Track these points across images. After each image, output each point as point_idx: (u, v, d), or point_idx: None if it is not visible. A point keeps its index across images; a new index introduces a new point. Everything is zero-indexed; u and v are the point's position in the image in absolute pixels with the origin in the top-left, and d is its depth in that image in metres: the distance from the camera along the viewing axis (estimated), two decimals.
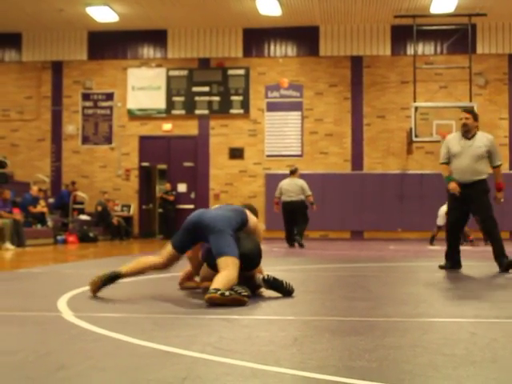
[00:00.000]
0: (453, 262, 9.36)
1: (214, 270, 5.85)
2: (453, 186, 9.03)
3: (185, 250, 6.07)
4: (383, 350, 3.53)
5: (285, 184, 17.00)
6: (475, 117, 9.10)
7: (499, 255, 8.96)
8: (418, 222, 23.03)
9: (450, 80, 23.46)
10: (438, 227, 18.56)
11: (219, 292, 5.22)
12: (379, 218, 23.35)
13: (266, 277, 5.91)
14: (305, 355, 3.39)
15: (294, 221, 16.73)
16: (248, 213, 6.28)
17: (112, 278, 5.91)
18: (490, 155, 9.04)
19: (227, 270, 5.55)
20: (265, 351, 3.50)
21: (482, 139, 9.03)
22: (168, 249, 6.01)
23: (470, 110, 9.28)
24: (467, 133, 9.04)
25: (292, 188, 16.75)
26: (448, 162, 9.21)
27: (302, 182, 16.84)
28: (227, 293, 5.23)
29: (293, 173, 17.18)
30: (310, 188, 16.96)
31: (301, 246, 16.40)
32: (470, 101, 21.53)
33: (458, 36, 22.66)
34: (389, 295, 6.28)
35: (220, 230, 5.80)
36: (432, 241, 18.95)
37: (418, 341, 3.82)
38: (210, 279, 5.90)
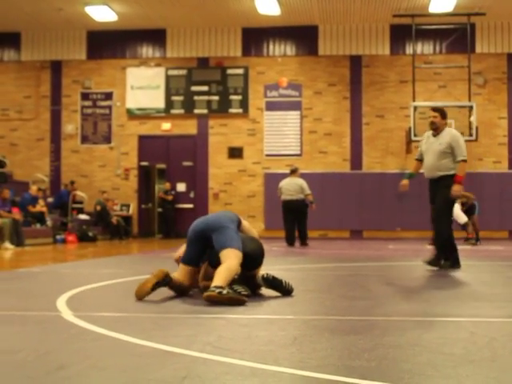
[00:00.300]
0: (438, 259, 9.44)
1: (216, 268, 5.86)
2: (402, 183, 9.69)
3: (199, 261, 6.05)
4: (382, 349, 3.54)
5: (285, 183, 17.14)
6: (443, 115, 9.34)
7: (436, 258, 9.34)
8: (417, 221, 23.00)
9: (449, 79, 23.47)
10: (462, 226, 18.57)
11: (217, 290, 5.23)
12: (378, 217, 23.36)
13: (265, 275, 5.91)
14: (304, 354, 3.39)
15: (293, 219, 16.89)
16: (239, 216, 6.37)
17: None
18: (452, 151, 9.20)
19: (228, 261, 5.58)
20: (264, 350, 3.50)
21: (446, 136, 9.24)
22: (183, 269, 5.98)
23: (437, 109, 9.47)
24: (435, 131, 9.31)
25: (291, 187, 16.86)
26: (421, 159, 9.60)
27: (301, 182, 16.93)
28: (225, 291, 5.24)
29: (293, 172, 17.31)
30: (309, 187, 17.03)
31: (305, 244, 16.77)
32: (469, 100, 21.55)
33: (457, 35, 22.67)
34: (388, 294, 6.29)
35: (222, 227, 5.87)
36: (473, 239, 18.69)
37: (417, 340, 3.82)
38: (210, 278, 5.91)
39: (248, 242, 6.00)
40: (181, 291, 5.93)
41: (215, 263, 5.83)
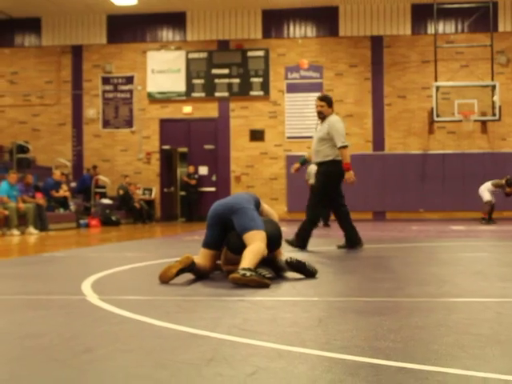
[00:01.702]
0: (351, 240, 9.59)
1: (234, 252, 5.87)
2: (293, 166, 10.06)
3: (220, 244, 6.05)
4: (408, 329, 3.52)
5: (312, 168, 17.40)
6: (329, 103, 9.60)
7: (296, 240, 9.47)
8: (440, 202, 22.93)
9: (472, 59, 23.26)
10: (487, 203, 18.86)
11: (241, 272, 5.24)
12: (401, 198, 23.27)
13: (288, 259, 5.90)
14: (330, 336, 3.38)
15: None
16: (258, 197, 6.40)
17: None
18: (331, 138, 9.37)
19: (254, 244, 5.59)
20: (289, 332, 3.50)
21: (326, 123, 9.45)
22: (204, 252, 6.00)
23: (323, 98, 9.64)
24: (322, 119, 9.53)
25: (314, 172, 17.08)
26: None
27: None
28: (248, 273, 5.25)
29: None
30: None
31: (327, 225, 17.52)
32: (492, 79, 21.37)
33: (480, 14, 22.43)
34: (412, 275, 6.26)
35: (242, 208, 5.88)
36: (488, 220, 18.86)
37: (443, 321, 3.80)
38: (232, 262, 5.91)
39: (266, 223, 5.99)
40: (201, 275, 5.95)
41: (234, 247, 5.84)
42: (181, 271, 5.61)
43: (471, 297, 4.78)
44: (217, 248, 6.01)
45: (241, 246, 5.75)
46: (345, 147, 9.35)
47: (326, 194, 9.48)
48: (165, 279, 5.57)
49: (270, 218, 6.35)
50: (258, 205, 6.20)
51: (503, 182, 18.72)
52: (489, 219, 18.89)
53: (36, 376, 2.71)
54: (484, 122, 21.82)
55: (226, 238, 6.02)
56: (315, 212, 9.51)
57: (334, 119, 9.51)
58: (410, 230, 15.48)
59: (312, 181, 17.89)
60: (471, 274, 6.26)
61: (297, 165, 10.07)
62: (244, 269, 5.29)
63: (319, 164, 9.51)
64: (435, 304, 4.47)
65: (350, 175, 9.39)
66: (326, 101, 9.51)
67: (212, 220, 6.02)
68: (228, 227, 5.94)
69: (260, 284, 5.25)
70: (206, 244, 5.99)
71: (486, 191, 18.96)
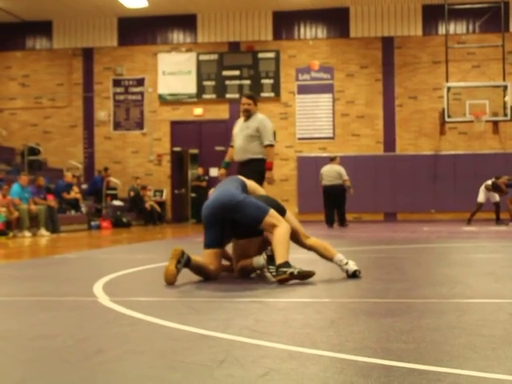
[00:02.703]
0: None
1: (248, 236, 5.91)
2: (220, 172, 9.62)
3: (222, 241, 6.02)
4: (420, 331, 3.51)
5: (325, 170, 18.68)
6: (255, 102, 9.44)
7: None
8: (452, 203, 22.86)
9: (483, 59, 23.19)
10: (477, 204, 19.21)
11: (288, 271, 5.47)
12: (412, 199, 23.22)
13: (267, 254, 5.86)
14: (341, 337, 3.38)
15: (333, 203, 18.44)
16: (241, 177, 6.43)
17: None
18: (260, 135, 9.30)
19: (276, 231, 5.71)
20: (301, 334, 3.49)
21: (255, 120, 9.31)
22: (207, 253, 5.96)
23: (250, 96, 9.50)
24: (248, 117, 9.34)
25: (330, 173, 18.44)
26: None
27: (339, 168, 18.42)
28: (296, 271, 5.50)
29: (332, 160, 18.81)
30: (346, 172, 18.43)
31: (343, 226, 18.34)
32: (504, 80, 21.29)
33: (491, 14, 22.37)
34: (424, 276, 6.24)
35: (238, 202, 5.86)
36: (468, 221, 19.16)
37: (455, 322, 3.79)
38: (245, 255, 5.93)
39: (264, 200, 6.05)
40: (206, 274, 5.90)
41: (244, 234, 5.88)
42: (178, 264, 5.60)
43: (484, 298, 4.76)
44: (219, 246, 5.98)
45: (251, 230, 5.90)
46: (272, 146, 9.40)
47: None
48: (169, 279, 5.56)
49: (258, 194, 6.34)
50: (244, 187, 6.17)
51: (489, 182, 18.98)
52: (469, 220, 19.15)
53: (48, 377, 2.71)
54: (495, 123, 21.74)
55: (227, 232, 6.01)
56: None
57: (262, 117, 9.51)
58: (421, 231, 15.45)
59: (325, 182, 18.43)
60: (484, 275, 6.24)
61: (223, 170, 9.69)
62: (283, 266, 5.51)
63: (247, 162, 9.33)
64: (447, 305, 4.45)
65: (271, 175, 9.47)
66: (253, 99, 9.42)
67: (209, 221, 5.98)
68: (226, 223, 5.95)
69: (307, 275, 5.60)
70: (208, 245, 5.96)
71: (481, 192, 19.26)
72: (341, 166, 18.60)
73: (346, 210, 18.65)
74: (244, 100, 9.34)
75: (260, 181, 9.21)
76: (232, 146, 9.63)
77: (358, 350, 3.07)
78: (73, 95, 24.85)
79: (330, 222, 18.42)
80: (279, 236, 5.63)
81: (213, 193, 6.26)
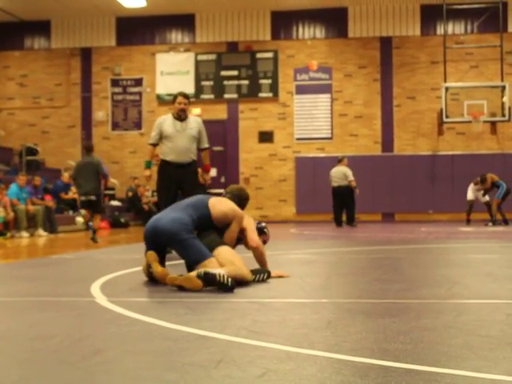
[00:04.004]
0: None
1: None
2: (146, 174, 9.65)
3: (163, 260, 5.87)
4: (418, 331, 3.51)
5: (333, 171, 19.26)
6: (189, 102, 9.58)
7: None
8: (450, 203, 22.87)
9: (481, 59, 23.21)
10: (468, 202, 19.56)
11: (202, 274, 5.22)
12: (410, 199, 23.23)
13: (198, 273, 5.37)
14: (339, 338, 3.38)
15: (340, 203, 19.10)
16: (211, 203, 5.97)
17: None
18: (200, 137, 9.41)
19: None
20: (298, 334, 3.49)
21: (193, 122, 9.44)
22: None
23: (187, 96, 9.53)
24: (183, 118, 9.35)
25: (337, 175, 18.99)
26: (156, 144, 9.55)
27: (345, 169, 19.04)
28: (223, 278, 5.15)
29: (340, 161, 19.41)
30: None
31: (351, 225, 18.80)
32: (502, 80, 21.31)
33: (489, 14, 22.39)
34: (422, 277, 6.25)
35: (181, 240, 5.56)
36: (467, 221, 19.32)
37: (452, 322, 3.79)
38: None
39: (209, 241, 5.75)
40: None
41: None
42: (161, 263, 5.61)
43: (481, 298, 4.76)
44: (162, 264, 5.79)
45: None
46: (208, 149, 9.57)
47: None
48: (165, 278, 5.46)
49: (231, 222, 5.97)
50: (203, 216, 5.83)
51: (478, 179, 19.25)
52: (467, 220, 19.38)
53: (46, 377, 2.71)
54: (493, 123, 21.76)
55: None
56: None
57: (199, 119, 9.67)
58: (419, 232, 15.46)
59: (333, 183, 18.95)
60: (481, 276, 6.24)
61: (148, 172, 9.70)
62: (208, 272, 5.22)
63: (190, 163, 9.30)
64: (445, 306, 4.46)
65: (208, 177, 9.78)
66: (189, 99, 9.54)
67: (147, 241, 5.81)
68: (163, 245, 5.78)
69: (194, 286, 5.18)
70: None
71: (469, 190, 19.57)
72: (347, 167, 19.15)
73: (355, 210, 19.29)
74: (181, 99, 9.30)
75: (198, 182, 9.34)
76: (154, 145, 9.54)
77: (355, 351, 3.07)
78: (71, 95, 24.85)
79: (338, 222, 19.09)
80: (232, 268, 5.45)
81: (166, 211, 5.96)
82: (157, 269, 5.53)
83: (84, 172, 14.03)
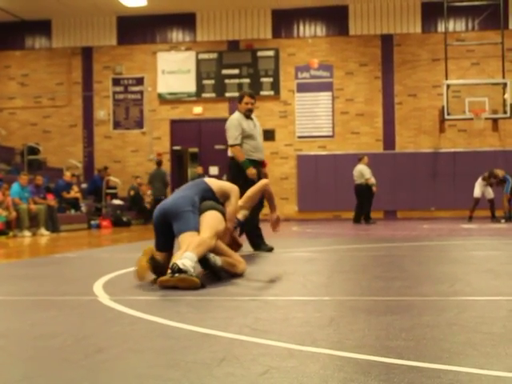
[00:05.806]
0: (255, 245, 9.23)
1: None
2: (253, 171, 9.18)
3: (171, 246, 5.97)
4: (420, 328, 3.51)
5: (354, 170, 19.80)
6: (255, 101, 9.64)
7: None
8: (452, 200, 22.87)
9: (482, 56, 23.20)
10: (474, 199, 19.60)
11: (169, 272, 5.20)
12: (412, 197, 23.23)
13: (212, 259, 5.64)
14: (341, 335, 3.38)
15: (358, 201, 19.69)
16: (209, 180, 6.24)
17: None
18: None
19: (184, 247, 5.48)
20: (301, 332, 3.49)
21: (256, 120, 9.58)
22: (159, 255, 5.85)
23: (253, 95, 9.60)
24: (250, 117, 9.49)
25: (355, 173, 19.80)
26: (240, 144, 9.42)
27: (361, 168, 19.65)
28: (176, 274, 5.15)
29: (360, 160, 20.00)
30: (370, 171, 19.60)
31: (369, 222, 19.39)
32: (503, 77, 21.30)
33: (490, 11, 22.38)
34: (424, 274, 6.24)
35: (179, 212, 5.71)
36: (469, 218, 19.34)
37: (455, 319, 3.79)
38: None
39: (207, 207, 5.89)
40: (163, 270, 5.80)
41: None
42: (150, 261, 5.58)
43: (483, 295, 4.76)
44: (169, 250, 5.93)
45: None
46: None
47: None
48: (141, 274, 5.55)
49: (228, 197, 6.19)
50: (205, 191, 6.05)
51: (486, 175, 19.27)
52: (470, 217, 19.41)
53: (49, 376, 2.71)
54: (495, 120, 21.76)
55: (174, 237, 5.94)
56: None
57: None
58: (421, 229, 15.45)
59: (355, 182, 19.54)
60: (483, 273, 6.24)
61: (253, 170, 9.24)
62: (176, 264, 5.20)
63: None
64: (447, 303, 4.45)
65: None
66: (255, 99, 9.67)
67: (156, 225, 5.93)
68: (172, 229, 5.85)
69: (188, 282, 5.15)
70: (159, 249, 5.90)
71: (476, 186, 19.56)
72: (367, 165, 19.71)
73: (369, 208, 19.67)
74: (248, 99, 9.36)
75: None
76: (240, 145, 9.39)
77: (357, 348, 3.07)
78: (72, 94, 24.86)
79: (357, 220, 19.61)
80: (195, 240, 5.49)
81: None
82: (141, 262, 5.57)
83: (155, 179, 21.88)
